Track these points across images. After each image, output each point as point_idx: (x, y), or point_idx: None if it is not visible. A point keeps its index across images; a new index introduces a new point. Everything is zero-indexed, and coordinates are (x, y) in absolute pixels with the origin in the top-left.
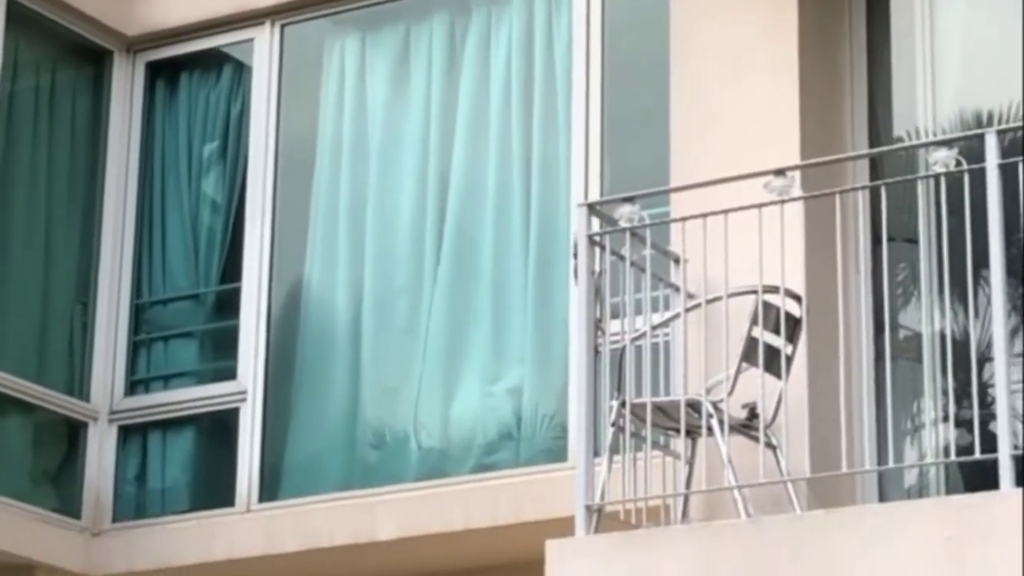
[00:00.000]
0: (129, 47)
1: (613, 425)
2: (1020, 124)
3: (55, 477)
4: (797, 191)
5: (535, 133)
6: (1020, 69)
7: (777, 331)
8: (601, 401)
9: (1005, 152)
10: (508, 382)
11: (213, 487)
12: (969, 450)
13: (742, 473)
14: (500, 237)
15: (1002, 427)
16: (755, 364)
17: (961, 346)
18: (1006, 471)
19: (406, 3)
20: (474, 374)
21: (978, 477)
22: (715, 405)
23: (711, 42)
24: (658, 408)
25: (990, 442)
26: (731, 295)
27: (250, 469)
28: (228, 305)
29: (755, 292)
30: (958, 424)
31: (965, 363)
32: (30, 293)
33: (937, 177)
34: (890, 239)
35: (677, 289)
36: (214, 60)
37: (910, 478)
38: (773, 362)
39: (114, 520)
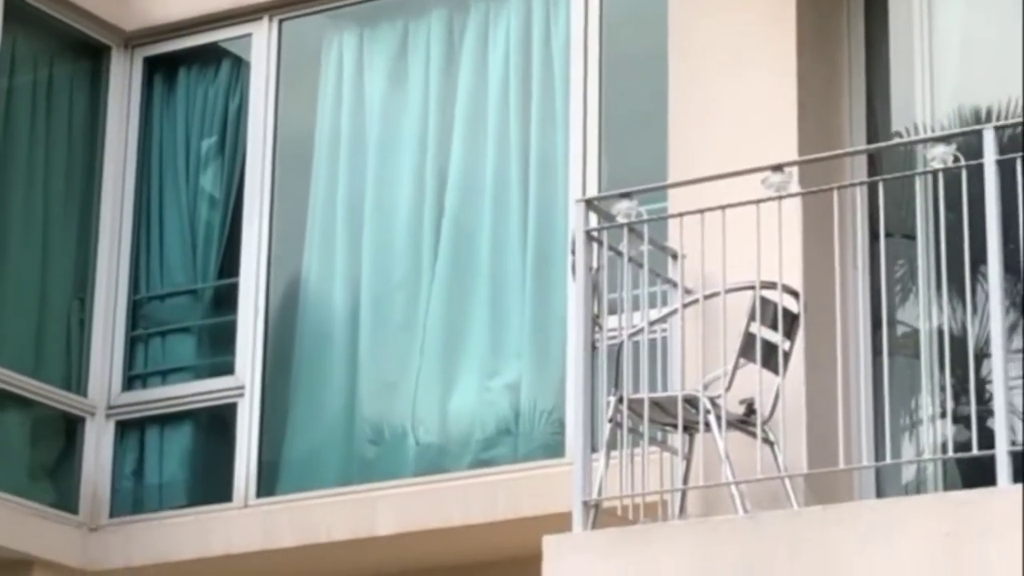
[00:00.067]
0: (127, 42)
1: (611, 421)
2: (1018, 121)
3: (52, 472)
4: (795, 187)
5: (533, 129)
6: (1019, 66)
7: (775, 327)
8: (599, 397)
9: (1003, 148)
10: (506, 378)
11: (211, 482)
12: (967, 446)
13: (739, 469)
14: (498, 233)
15: (999, 423)
16: (753, 360)
17: (959, 342)
18: (1003, 467)
19: None
20: (472, 370)
21: (976, 473)
22: (712, 401)
23: (709, 38)
24: (655, 404)
25: (988, 438)
26: (729, 291)
27: (248, 464)
28: (226, 300)
29: (753, 288)
30: (956, 420)
31: (963, 359)
32: (28, 288)
33: (935, 173)
34: (888, 235)
35: (675, 285)
36: (212, 55)
37: (908, 474)
38: (771, 358)
39: (111, 515)
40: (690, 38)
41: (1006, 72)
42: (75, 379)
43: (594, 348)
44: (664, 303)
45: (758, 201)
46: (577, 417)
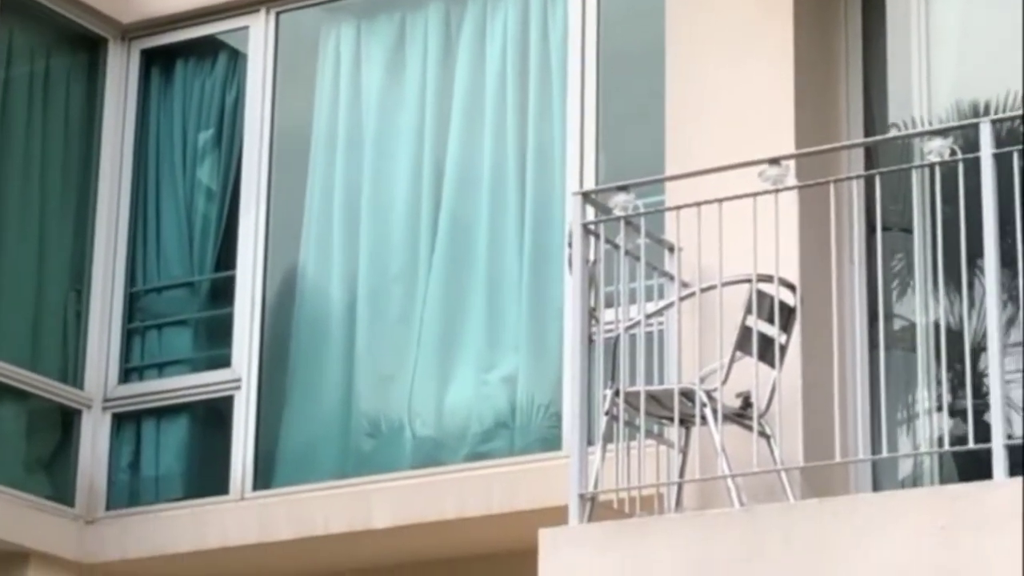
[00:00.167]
0: (124, 34)
1: (607, 414)
2: (1015, 114)
3: (49, 465)
4: (792, 180)
5: (530, 121)
6: (1017, 60)
7: (771, 320)
8: (595, 390)
9: (1001, 142)
10: (503, 370)
11: (207, 475)
12: (963, 440)
13: (736, 462)
14: (495, 226)
15: (996, 416)
16: (749, 353)
17: (955, 336)
18: (999, 460)
19: None
20: (469, 362)
21: (972, 467)
22: (709, 394)
23: (706, 31)
24: (652, 397)
25: (984, 432)
26: (725, 284)
27: (244, 457)
28: (223, 293)
29: (749, 281)
30: (952, 414)
31: (959, 353)
32: (24, 281)
33: (932, 166)
34: (886, 229)
35: (671, 278)
36: (209, 48)
37: (904, 468)
38: (767, 351)
39: (108, 508)
40: (687, 31)
41: (1004, 66)
42: (71, 371)
43: (591, 341)
44: (661, 296)
45: (755, 194)
46: (573, 410)
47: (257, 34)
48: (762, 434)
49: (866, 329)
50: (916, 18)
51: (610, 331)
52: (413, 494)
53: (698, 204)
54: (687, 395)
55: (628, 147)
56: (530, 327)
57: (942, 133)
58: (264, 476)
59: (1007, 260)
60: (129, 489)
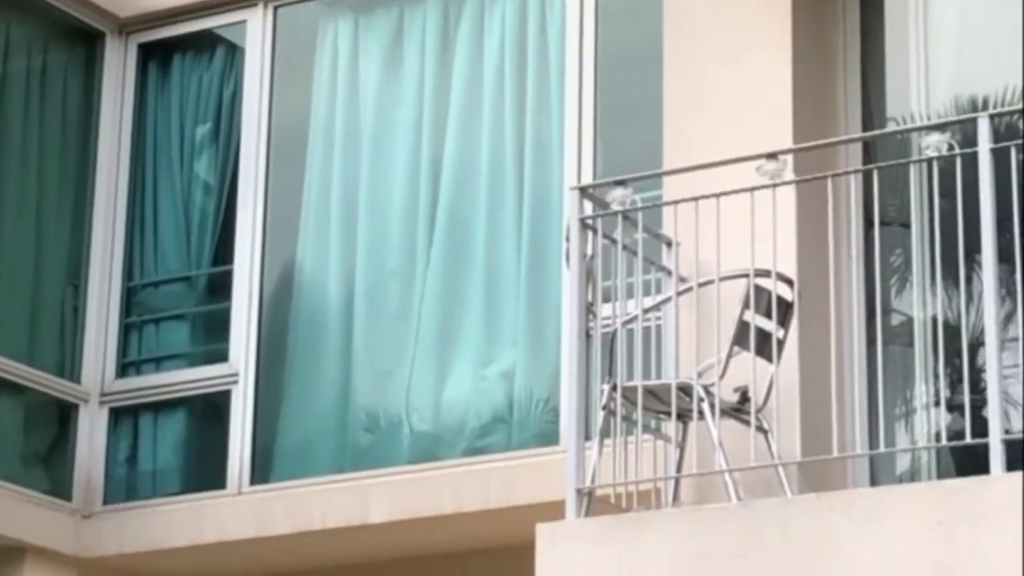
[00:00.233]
0: (121, 28)
1: (604, 408)
2: (1014, 109)
3: (46, 459)
4: (789, 175)
5: (528, 116)
6: (1015, 54)
7: (769, 315)
8: (593, 384)
9: (999, 137)
10: (500, 365)
11: (204, 469)
12: (961, 435)
13: (733, 457)
14: (493, 221)
15: (993, 411)
16: (746, 348)
17: (954, 331)
18: (997, 455)
19: None
20: (466, 357)
21: (969, 462)
22: (706, 389)
23: (704, 25)
24: (649, 392)
25: (982, 427)
26: (723, 279)
27: (242, 451)
28: (220, 287)
29: (747, 276)
30: (950, 409)
31: (958, 348)
32: (21, 275)
33: (930, 161)
34: (885, 224)
35: (669, 272)
36: (207, 42)
37: (902, 463)
38: (765, 346)
39: (105, 502)
40: (685, 26)
41: (1002, 61)
42: (69, 366)
43: (588, 336)
44: (658, 291)
45: (752, 189)
46: (571, 405)
47: (255, 28)
48: (759, 429)
49: (864, 324)
50: (914, 13)
51: (607, 326)
52: (410, 489)
53: (696, 199)
54: (684, 390)
55: (626, 142)
56: (528, 322)
57: (940, 128)
58: (261, 470)
59: (1005, 255)
60: (126, 483)
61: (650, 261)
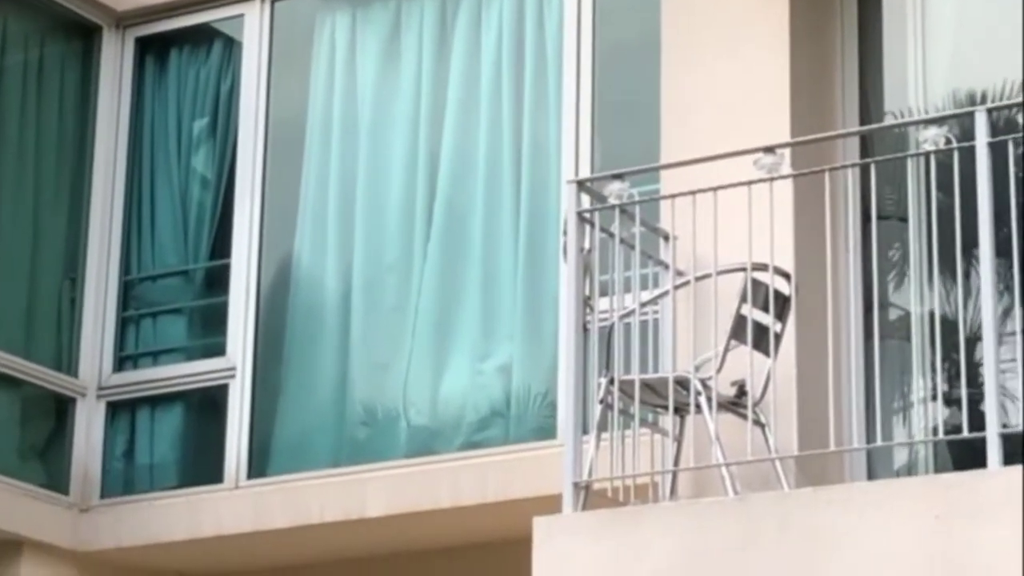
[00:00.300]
0: (118, 22)
1: (601, 402)
2: (1012, 103)
3: (43, 453)
4: (787, 168)
5: (526, 110)
6: (1014, 48)
7: (766, 309)
8: (590, 378)
9: (998, 132)
10: (498, 359)
11: (202, 463)
12: (958, 429)
13: (730, 451)
14: (490, 215)
15: (990, 405)
16: (744, 342)
17: (951, 325)
18: (994, 449)
19: None
20: (464, 352)
21: (967, 456)
22: (703, 382)
23: (702, 19)
24: (646, 385)
25: (979, 421)
26: (720, 272)
27: (239, 445)
28: (217, 281)
29: (744, 270)
30: (947, 403)
31: (955, 342)
32: (19, 269)
33: (927, 155)
34: (882, 218)
35: (666, 266)
36: (204, 36)
37: (899, 457)
38: (762, 340)
39: (102, 496)
40: (683, 20)
41: (1001, 55)
42: (66, 360)
43: (585, 330)
44: (656, 285)
45: (750, 183)
46: (568, 399)
47: (252, 22)
48: (757, 422)
49: (861, 318)
50: (912, 6)
51: (605, 320)
52: (408, 482)
53: (693, 192)
54: (682, 383)
55: (623, 135)
56: (525, 316)
57: (938, 122)
58: (259, 464)
59: (1003, 250)
60: (124, 477)
61: (647, 255)
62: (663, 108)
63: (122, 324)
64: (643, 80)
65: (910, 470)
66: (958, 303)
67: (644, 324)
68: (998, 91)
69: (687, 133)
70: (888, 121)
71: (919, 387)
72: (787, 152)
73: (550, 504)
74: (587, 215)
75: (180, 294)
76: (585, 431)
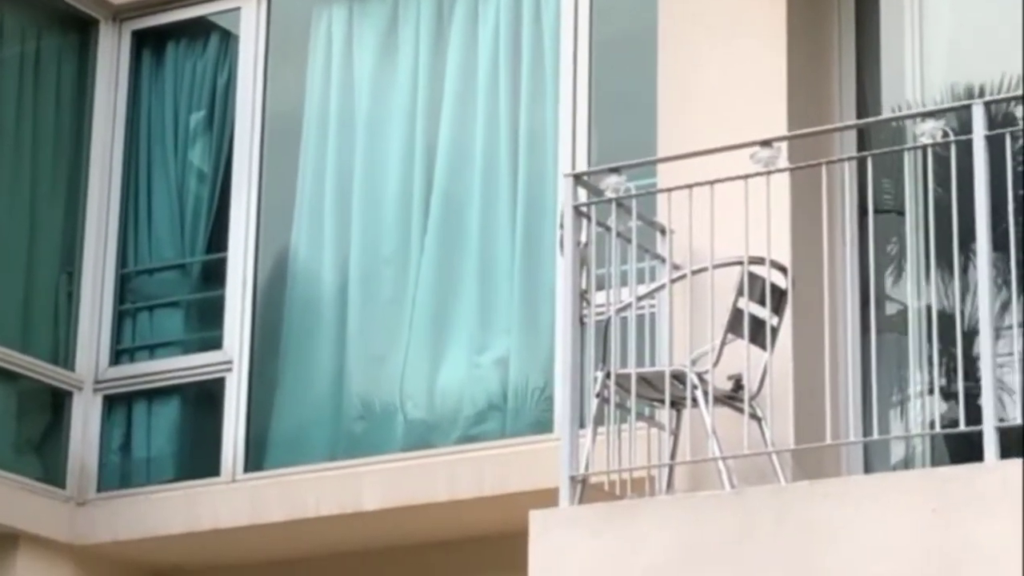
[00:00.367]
0: (115, 15)
1: (598, 396)
2: (1009, 96)
3: (39, 446)
4: (783, 162)
5: (523, 104)
6: (1012, 42)
7: (763, 302)
8: (587, 372)
9: (996, 126)
10: (494, 353)
11: (198, 457)
12: (955, 423)
13: (727, 444)
14: (487, 208)
15: (987, 399)
16: (740, 335)
17: (948, 318)
18: (991, 443)
19: None
20: (460, 345)
21: (964, 449)
22: (700, 376)
23: (699, 13)
24: (643, 379)
25: (976, 415)
26: (717, 266)
27: (235, 439)
28: (214, 275)
29: (741, 263)
30: (945, 397)
31: (953, 336)
32: (15, 262)
33: (924, 149)
34: (879, 212)
35: (663, 260)
36: (201, 29)
37: (896, 451)
38: (758, 333)
39: (99, 490)
40: (680, 13)
41: (998, 48)
42: (63, 353)
43: (582, 323)
44: (652, 278)
45: (746, 176)
46: (565, 392)
47: (249, 15)
48: (753, 416)
49: (858, 311)
50: (909, 0)
51: (601, 313)
52: (404, 476)
53: (690, 186)
54: (678, 377)
55: (620, 129)
56: (522, 309)
57: (935, 115)
58: (255, 458)
59: (1000, 243)
60: (120, 471)
61: (644, 248)
62: (660, 101)
63: (119, 317)
64: (640, 73)
65: (907, 464)
66: (955, 297)
67: (640, 318)
68: (996, 84)
69: (684, 127)
70: (885, 115)
71: (916, 381)
72: (784, 146)
73: (547, 498)
74: (584, 208)
75: (177, 287)
76: (582, 425)
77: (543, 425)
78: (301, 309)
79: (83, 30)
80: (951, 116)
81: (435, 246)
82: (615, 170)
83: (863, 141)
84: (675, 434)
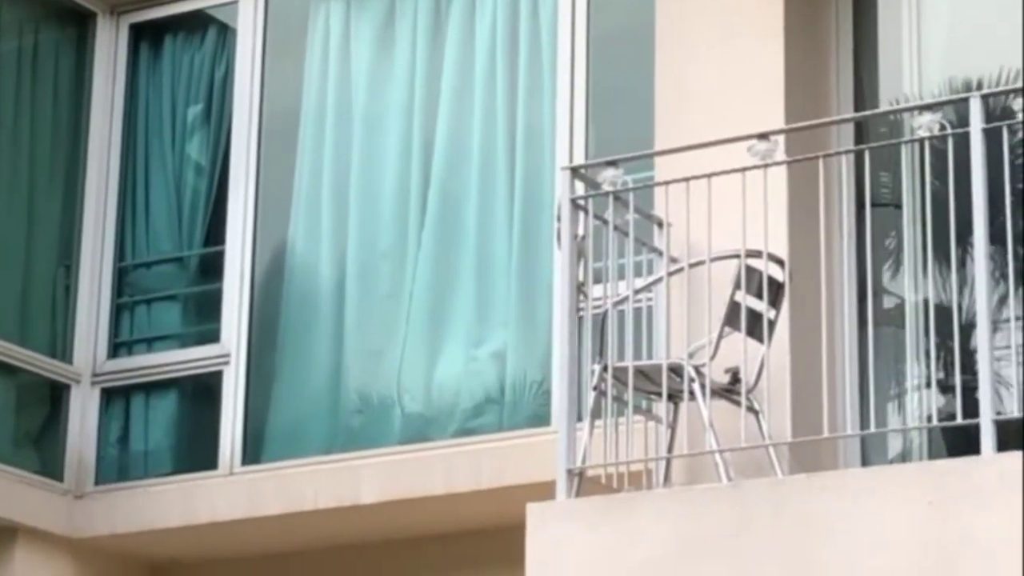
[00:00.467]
0: (113, 8)
1: (595, 389)
2: (1007, 89)
3: (37, 439)
4: (781, 155)
5: (520, 98)
6: (1011, 35)
7: (760, 295)
8: (584, 365)
9: (994, 119)
10: (492, 346)
11: (196, 450)
12: (953, 416)
13: (724, 437)
14: (484, 202)
15: (984, 392)
16: (738, 328)
17: (945, 312)
18: (988, 436)
19: None
20: (458, 338)
21: (961, 443)
22: (697, 369)
23: (696, 6)
24: (640, 372)
25: (973, 408)
26: (714, 259)
27: (233, 432)
28: (212, 268)
29: (738, 256)
30: (942, 390)
31: (950, 329)
32: (13, 255)
33: (922, 142)
34: (877, 205)
35: (660, 253)
36: (198, 22)
37: (894, 444)
38: (756, 326)
39: (97, 483)
40: (677, 6)
41: (996, 41)
42: (60, 346)
43: (579, 316)
44: (649, 271)
45: (744, 169)
46: (562, 385)
47: (246, 9)
48: (750, 409)
49: (855, 304)
50: None
51: (599, 306)
52: (402, 469)
53: (687, 179)
54: (675, 370)
55: (618, 122)
56: (519, 303)
57: (932, 108)
58: (253, 451)
59: (998, 237)
60: (118, 464)
61: (641, 242)
62: (657, 95)
63: (116, 311)
64: (637, 67)
65: (904, 457)
66: (952, 290)
67: (638, 311)
68: (993, 78)
69: (681, 120)
70: (883, 108)
71: (913, 374)
72: (781, 139)
73: (544, 491)
74: (581, 202)
75: (174, 281)
76: (579, 418)
77: (540, 418)
78: (299, 303)
79: (80, 23)
80: (948, 109)
81: (432, 240)
82: (612, 163)
83: (860, 135)
84: (672, 427)
